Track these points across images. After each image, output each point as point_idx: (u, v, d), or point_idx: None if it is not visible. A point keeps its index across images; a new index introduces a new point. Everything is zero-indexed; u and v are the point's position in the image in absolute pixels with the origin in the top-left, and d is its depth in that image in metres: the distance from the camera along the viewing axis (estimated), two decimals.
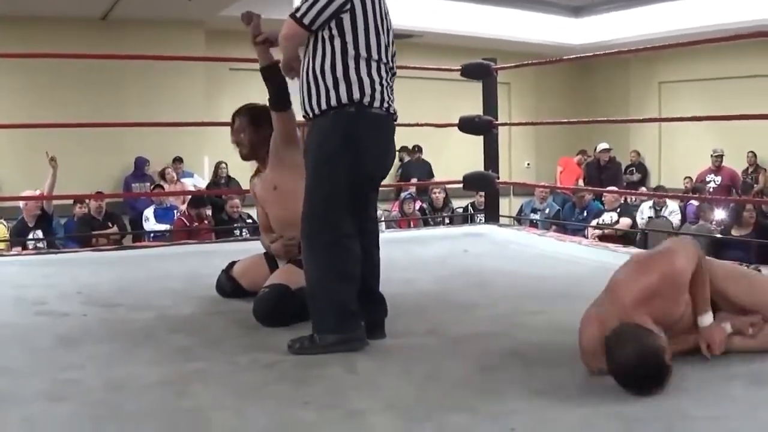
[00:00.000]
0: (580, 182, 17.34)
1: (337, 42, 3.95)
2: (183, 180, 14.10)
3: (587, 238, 11.37)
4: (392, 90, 4.14)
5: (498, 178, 8.56)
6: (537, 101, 19.34)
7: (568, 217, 13.51)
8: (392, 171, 16.42)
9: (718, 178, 15.16)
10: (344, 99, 3.94)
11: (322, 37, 3.97)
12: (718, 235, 10.68)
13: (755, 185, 15.71)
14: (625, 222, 12.45)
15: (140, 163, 14.15)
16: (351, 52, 3.95)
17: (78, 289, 5.50)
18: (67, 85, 13.45)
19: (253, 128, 5.12)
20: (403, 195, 13.12)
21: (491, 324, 4.49)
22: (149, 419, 3.06)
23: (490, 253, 7.10)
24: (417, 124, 8.78)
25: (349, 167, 3.96)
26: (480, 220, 9.49)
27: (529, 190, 14.98)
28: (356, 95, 3.94)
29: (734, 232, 10.41)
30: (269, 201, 5.10)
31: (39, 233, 10.59)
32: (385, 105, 4.04)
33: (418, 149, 16.54)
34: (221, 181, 14.42)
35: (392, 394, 3.34)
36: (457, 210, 14.51)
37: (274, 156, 4.96)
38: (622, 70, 19.35)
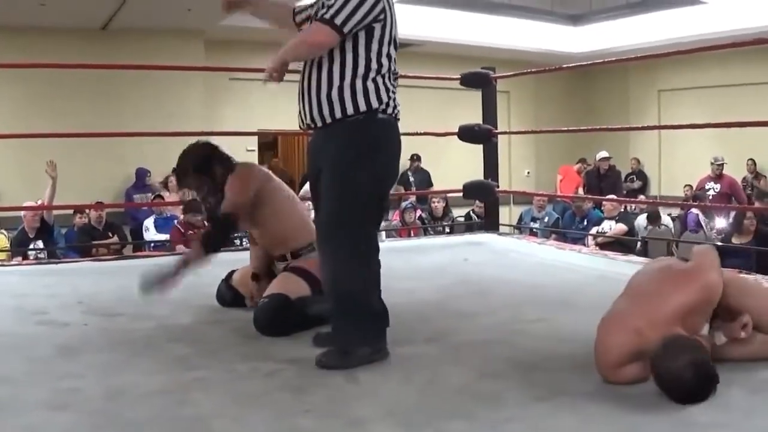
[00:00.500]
0: (580, 191, 17.35)
1: (362, 50, 3.89)
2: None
3: (587, 246, 11.38)
4: None
5: (498, 186, 8.57)
6: (536, 110, 19.36)
7: (567, 225, 13.51)
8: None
9: (718, 186, 15.15)
10: (362, 107, 3.89)
11: (344, 47, 3.89)
12: (719, 243, 10.68)
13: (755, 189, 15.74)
14: (619, 228, 12.42)
15: (141, 174, 14.15)
16: (373, 61, 3.91)
17: (78, 298, 5.50)
18: (67, 95, 13.47)
19: (191, 182, 5.08)
20: (404, 204, 13.12)
21: (491, 332, 4.49)
22: (149, 427, 3.07)
23: (490, 261, 7.10)
24: (416, 133, 8.79)
25: (372, 175, 3.93)
26: (479, 229, 9.47)
27: (528, 198, 14.98)
28: (374, 104, 3.91)
29: (734, 240, 10.40)
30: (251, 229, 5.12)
31: (39, 244, 10.59)
32: (396, 112, 4.03)
33: (417, 158, 16.55)
34: None
35: (393, 401, 3.35)
36: (457, 219, 14.51)
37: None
38: (621, 78, 19.39)
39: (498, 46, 16.56)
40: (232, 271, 5.29)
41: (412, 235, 11.67)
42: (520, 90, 18.57)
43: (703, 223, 13.29)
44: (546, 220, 13.52)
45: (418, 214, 13.36)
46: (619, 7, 17.30)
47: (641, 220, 13.50)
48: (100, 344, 4.32)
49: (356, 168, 3.89)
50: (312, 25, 3.97)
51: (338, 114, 3.91)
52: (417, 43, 15.16)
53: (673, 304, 3.40)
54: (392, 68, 4.01)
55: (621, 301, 3.65)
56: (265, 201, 4.83)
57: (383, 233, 9.93)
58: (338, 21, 3.81)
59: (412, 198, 13.75)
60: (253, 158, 16.38)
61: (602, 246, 11.61)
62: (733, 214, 11.79)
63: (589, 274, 6.35)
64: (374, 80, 3.91)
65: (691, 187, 16.07)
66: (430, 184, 16.49)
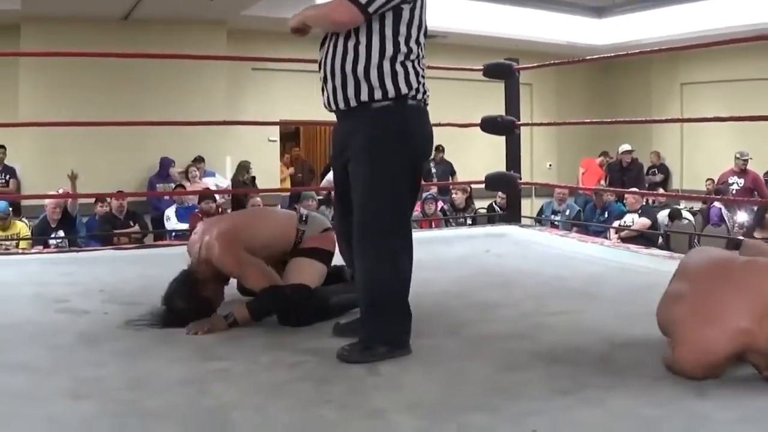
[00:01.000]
0: (602, 183, 17.30)
1: (388, 32, 3.77)
2: (204, 179, 14.12)
3: (609, 239, 11.34)
4: None
5: (520, 178, 8.54)
6: (559, 102, 19.32)
7: (589, 218, 13.48)
8: None
9: (742, 181, 15.04)
10: (391, 92, 3.78)
11: (370, 27, 3.76)
12: (741, 238, 10.63)
13: None
14: (643, 222, 12.39)
15: (165, 163, 14.18)
16: (402, 45, 3.80)
17: (100, 287, 5.51)
18: (89, 84, 13.49)
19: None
20: (424, 195, 13.10)
21: (513, 324, 4.48)
22: (171, 417, 3.06)
23: (512, 253, 7.07)
24: (439, 124, 8.73)
25: (405, 166, 3.86)
26: (501, 221, 9.44)
27: (550, 191, 14.93)
28: (404, 89, 3.80)
29: (756, 235, 10.35)
30: None
31: (61, 233, 10.63)
32: (425, 97, 3.94)
33: (441, 149, 16.51)
34: (245, 180, 14.46)
35: (414, 393, 3.33)
36: (480, 210, 14.48)
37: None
38: (644, 71, 19.30)
39: (521, 37, 16.51)
40: None
41: (434, 226, 11.66)
42: (543, 82, 18.55)
43: (725, 217, 13.22)
44: (567, 213, 13.48)
45: (440, 206, 13.34)
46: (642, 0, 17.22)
47: (663, 215, 13.45)
48: (121, 333, 4.32)
49: (390, 160, 3.79)
50: (335, 0, 3.83)
51: (364, 97, 3.80)
52: (440, 34, 15.12)
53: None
54: (421, 55, 3.91)
55: (693, 293, 3.52)
56: (251, 244, 4.70)
57: None
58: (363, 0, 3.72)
59: (433, 189, 13.72)
60: (275, 149, 16.43)
61: (624, 239, 11.57)
62: (755, 208, 11.74)
63: (612, 266, 6.33)
64: (403, 64, 3.82)
65: (713, 181, 15.98)
66: (453, 176, 16.46)
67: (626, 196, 12.95)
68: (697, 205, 14.74)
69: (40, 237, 10.78)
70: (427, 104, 3.99)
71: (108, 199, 11.94)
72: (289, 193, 14.83)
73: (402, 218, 3.91)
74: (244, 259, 4.59)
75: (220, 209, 11.90)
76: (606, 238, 11.52)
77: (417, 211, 12.72)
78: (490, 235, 8.08)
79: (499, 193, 12.45)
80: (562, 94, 19.51)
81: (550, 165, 19.75)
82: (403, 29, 3.79)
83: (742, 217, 12.99)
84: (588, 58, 9.26)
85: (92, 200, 12.14)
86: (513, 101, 8.50)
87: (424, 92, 3.92)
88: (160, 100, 13.73)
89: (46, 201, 10.97)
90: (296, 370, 3.64)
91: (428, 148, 4.09)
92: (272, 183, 15.50)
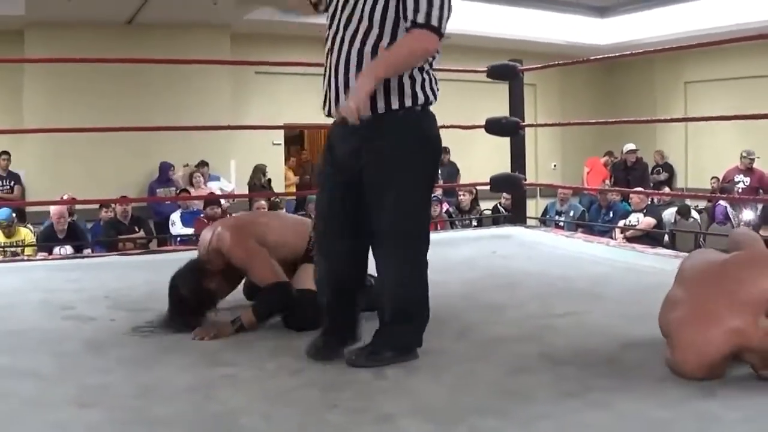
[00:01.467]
0: (607, 183, 17.30)
1: None
2: (209, 184, 14.14)
3: (614, 239, 11.33)
4: None
5: (525, 179, 8.53)
6: (563, 102, 19.34)
7: (594, 218, 13.47)
8: None
9: (748, 179, 15.02)
10: (420, 99, 3.73)
11: (396, 36, 3.67)
12: None
13: None
14: (648, 221, 12.38)
15: (164, 168, 14.21)
16: None
17: (105, 293, 5.50)
18: (94, 89, 13.53)
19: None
20: None
21: (521, 326, 4.47)
22: (178, 424, 3.05)
23: (519, 254, 7.07)
24: (444, 126, 8.74)
25: (429, 176, 3.88)
26: (507, 222, 9.43)
27: (555, 191, 14.93)
28: (431, 97, 3.77)
29: (762, 233, 10.33)
30: None
31: (68, 249, 10.63)
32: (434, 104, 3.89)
33: (446, 150, 16.48)
34: (262, 183, 14.51)
35: (422, 397, 3.32)
36: (485, 212, 14.48)
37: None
38: (647, 70, 19.32)
39: (523, 38, 16.55)
40: None
41: (439, 228, 11.65)
42: (547, 83, 18.55)
43: (731, 216, 13.22)
44: (572, 213, 13.48)
45: (445, 208, 13.33)
46: None
47: (669, 213, 13.44)
48: (128, 339, 4.31)
49: (419, 166, 3.76)
50: (411, 34, 3.66)
51: (395, 104, 3.70)
52: (445, 36, 15.09)
53: (757, 293, 3.26)
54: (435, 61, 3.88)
55: (688, 297, 3.52)
56: (262, 241, 4.66)
57: None
58: (435, 23, 3.65)
59: (438, 191, 13.71)
60: (280, 152, 16.44)
61: (630, 239, 11.56)
62: (760, 206, 11.73)
63: (618, 266, 6.32)
64: (427, 72, 3.78)
65: (718, 179, 15.98)
66: (458, 176, 16.46)
67: (631, 195, 12.94)
68: (702, 204, 14.73)
69: (46, 244, 10.78)
70: None
71: (113, 205, 11.95)
72: (295, 198, 14.87)
73: (428, 223, 3.96)
74: (253, 250, 4.57)
75: (227, 215, 11.89)
76: (611, 237, 11.51)
77: None
78: (496, 236, 8.06)
79: (504, 194, 12.45)
80: (566, 94, 19.53)
81: (555, 165, 19.76)
82: None
83: (748, 215, 12.99)
84: (592, 58, 9.25)
85: (97, 205, 12.15)
86: (517, 102, 8.49)
87: (435, 100, 3.87)
88: (164, 105, 13.76)
89: (51, 208, 10.97)
90: (303, 375, 3.63)
91: (441, 152, 4.06)
92: (277, 186, 15.52)
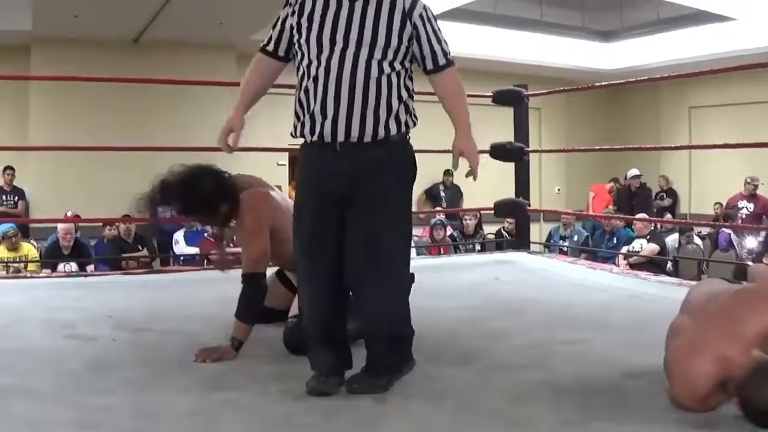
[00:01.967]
0: (610, 209, 17.30)
1: (407, 67, 3.76)
2: None
3: (617, 265, 11.32)
4: None
5: (529, 205, 8.53)
6: (567, 126, 19.35)
7: (598, 243, 13.47)
8: (419, 195, 16.46)
9: (752, 206, 15.01)
10: (410, 124, 3.77)
11: (393, 63, 3.67)
12: (750, 263, 10.61)
13: None
14: (651, 248, 12.37)
15: None
16: (410, 80, 3.80)
17: (108, 312, 5.48)
18: (99, 106, 13.55)
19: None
20: (433, 221, 13.08)
21: (523, 353, 4.46)
22: None
23: (521, 280, 7.06)
24: (447, 151, 8.74)
25: (410, 200, 3.90)
26: (510, 247, 9.42)
27: (558, 215, 14.92)
28: (411, 123, 3.79)
29: (765, 261, 10.33)
30: None
31: (73, 265, 10.63)
32: None
33: (450, 173, 16.47)
34: None
35: (423, 424, 3.32)
36: (488, 236, 14.48)
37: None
38: (652, 94, 19.34)
39: (528, 62, 16.58)
40: None
41: (442, 252, 11.65)
42: (551, 107, 18.56)
43: (734, 242, 13.21)
44: (575, 238, 13.48)
45: (449, 232, 13.32)
46: (649, 24, 17.28)
47: (672, 239, 13.43)
48: (130, 360, 4.30)
49: (405, 194, 3.81)
50: (450, 75, 3.84)
51: (393, 130, 3.68)
52: None
53: (754, 326, 3.24)
54: None
55: (690, 327, 3.51)
56: (276, 229, 4.64)
57: (414, 250, 9.89)
58: (450, 57, 3.83)
59: (441, 215, 13.70)
60: (284, 173, 16.43)
61: (633, 265, 11.56)
62: (764, 233, 11.73)
63: (621, 294, 6.30)
64: (412, 98, 3.80)
65: (721, 204, 15.97)
66: (461, 200, 16.45)
67: (635, 221, 12.94)
68: (706, 230, 14.72)
69: (50, 260, 10.79)
70: None
71: (115, 223, 11.96)
72: None
73: (409, 253, 3.96)
74: (261, 230, 4.58)
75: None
76: (615, 264, 11.50)
77: (425, 237, 12.70)
78: (499, 261, 8.05)
79: (507, 219, 12.45)
80: (570, 118, 19.54)
81: (559, 189, 19.75)
82: (408, 65, 3.78)
83: (752, 242, 12.97)
84: (597, 84, 9.20)
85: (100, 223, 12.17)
86: (522, 128, 8.50)
87: None
88: (169, 123, 13.79)
89: (59, 225, 11.00)
90: (305, 400, 3.62)
91: None
92: None
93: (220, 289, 5.54)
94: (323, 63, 3.68)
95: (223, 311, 5.10)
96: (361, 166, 3.68)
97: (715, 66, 9.26)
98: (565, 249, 12.63)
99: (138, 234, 12.18)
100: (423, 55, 3.75)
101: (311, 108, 3.70)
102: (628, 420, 3.28)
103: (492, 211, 8.82)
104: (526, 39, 16.94)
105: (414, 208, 4.50)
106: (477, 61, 16.09)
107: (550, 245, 13.01)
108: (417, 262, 7.00)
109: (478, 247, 13.14)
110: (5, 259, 10.72)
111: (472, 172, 3.84)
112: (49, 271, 10.14)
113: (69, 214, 11.81)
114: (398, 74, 3.69)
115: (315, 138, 3.71)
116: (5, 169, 13.44)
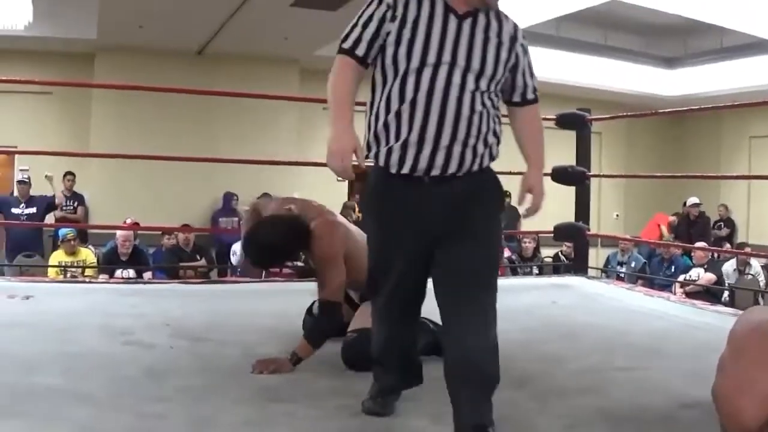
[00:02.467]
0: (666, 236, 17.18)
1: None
2: None
3: (674, 293, 11.24)
4: None
5: (589, 229, 8.48)
6: (628, 151, 19.28)
7: (655, 270, 13.38)
8: None
9: None
10: (493, 159, 3.52)
11: (495, 98, 3.48)
12: None
13: None
14: (708, 277, 12.28)
15: (228, 198, 14.33)
16: None
17: (166, 321, 5.52)
18: (160, 115, 13.70)
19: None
20: None
21: (579, 378, 4.43)
22: None
23: (579, 305, 7.02)
24: (510, 173, 8.72)
25: None
26: (567, 271, 9.38)
27: (616, 241, 14.85)
28: (497, 152, 3.54)
29: None
30: None
31: (131, 272, 10.72)
32: None
33: (508, 194, 16.38)
34: (353, 221, 14.55)
35: None
36: (545, 259, 14.42)
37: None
38: (714, 123, 19.22)
39: (590, 86, 16.52)
40: (315, 302, 5.21)
41: (500, 274, 11.60)
42: (612, 131, 18.52)
43: None
44: (633, 264, 13.41)
45: (506, 254, 13.28)
46: (713, 52, 17.15)
47: (728, 268, 13.32)
48: (186, 369, 4.32)
49: (498, 226, 3.59)
50: (535, 112, 3.74)
51: (486, 163, 3.45)
52: None
53: None
54: None
55: (734, 362, 3.44)
56: (346, 257, 4.62)
57: None
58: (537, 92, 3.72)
59: None
60: (343, 188, 16.45)
61: (689, 294, 11.47)
62: None
63: (677, 322, 6.25)
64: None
65: None
66: (518, 222, 16.40)
67: (694, 250, 12.86)
68: (764, 261, 14.57)
69: (108, 266, 10.88)
70: None
71: (174, 232, 12.07)
72: None
73: None
74: (338, 258, 4.56)
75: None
76: (671, 292, 11.42)
77: None
78: (557, 285, 8.01)
79: (566, 242, 12.41)
80: (631, 143, 19.47)
81: (617, 215, 19.65)
82: (500, 94, 3.60)
83: None
84: (661, 111, 9.16)
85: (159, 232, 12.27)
86: (584, 151, 8.45)
87: None
88: (230, 135, 13.90)
89: (118, 232, 11.09)
90: (359, 417, 3.61)
91: None
92: None
93: (278, 302, 5.56)
94: (424, 86, 3.30)
95: (281, 324, 5.13)
96: (453, 201, 3.38)
97: None
98: (622, 275, 12.56)
99: (197, 244, 12.25)
100: (515, 86, 3.59)
101: (404, 136, 3.34)
102: None
103: (551, 234, 8.76)
104: (587, 62, 16.88)
105: None
106: (539, 84, 16.05)
107: (607, 270, 12.92)
108: None
109: (536, 270, 13.09)
110: (63, 263, 10.81)
111: (533, 210, 3.65)
112: (106, 276, 10.22)
113: (128, 221, 11.92)
114: (497, 108, 3.46)
115: (405, 170, 3.36)
116: (65, 174, 13.57)
